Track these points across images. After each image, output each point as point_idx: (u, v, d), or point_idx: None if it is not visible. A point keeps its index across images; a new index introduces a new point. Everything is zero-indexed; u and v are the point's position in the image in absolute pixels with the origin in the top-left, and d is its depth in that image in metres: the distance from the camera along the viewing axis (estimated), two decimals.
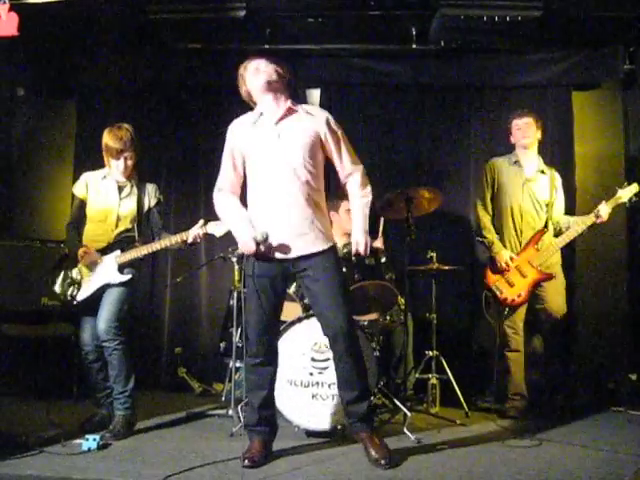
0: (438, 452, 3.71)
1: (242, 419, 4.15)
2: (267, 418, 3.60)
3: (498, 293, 4.65)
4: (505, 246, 4.71)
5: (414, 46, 5.61)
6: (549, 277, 4.61)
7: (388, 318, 4.82)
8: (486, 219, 4.81)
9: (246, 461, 3.38)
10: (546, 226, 4.68)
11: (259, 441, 3.52)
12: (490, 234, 4.76)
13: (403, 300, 4.74)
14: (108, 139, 4.11)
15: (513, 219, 4.73)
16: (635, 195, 4.61)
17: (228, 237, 5.13)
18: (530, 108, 5.17)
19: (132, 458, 3.51)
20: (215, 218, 4.02)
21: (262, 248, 3.42)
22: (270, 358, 3.59)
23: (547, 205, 4.70)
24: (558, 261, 4.72)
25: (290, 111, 3.56)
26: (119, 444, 3.81)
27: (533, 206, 4.71)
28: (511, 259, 4.64)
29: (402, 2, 5.29)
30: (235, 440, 3.91)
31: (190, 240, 4.11)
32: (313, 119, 3.58)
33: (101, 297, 4.10)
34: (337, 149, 3.60)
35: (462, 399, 4.80)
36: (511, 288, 4.63)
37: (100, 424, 4.08)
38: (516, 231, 4.73)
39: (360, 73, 5.89)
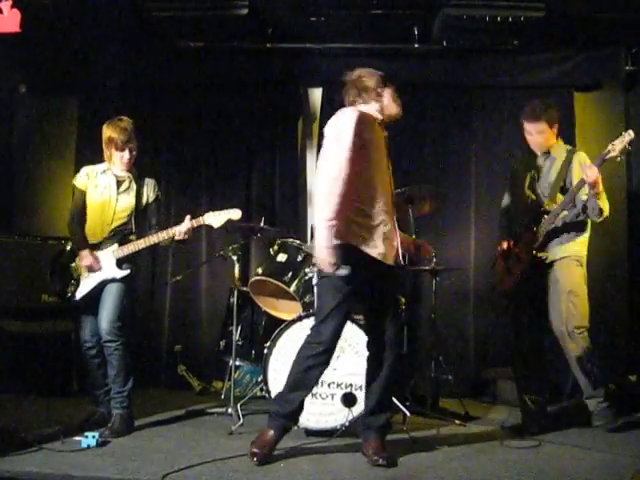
0: (437, 452, 3.71)
1: (241, 417, 4.16)
2: (295, 415, 3.57)
3: (499, 284, 4.47)
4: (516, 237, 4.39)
5: (416, 46, 5.61)
6: (540, 260, 4.20)
7: None
8: (501, 210, 4.61)
9: (255, 458, 3.37)
10: (543, 207, 4.24)
11: (272, 435, 3.47)
12: (500, 224, 4.60)
13: (403, 299, 4.75)
14: (112, 131, 4.10)
15: (522, 206, 4.42)
16: (629, 144, 4.05)
17: (229, 234, 5.20)
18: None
19: (131, 456, 3.51)
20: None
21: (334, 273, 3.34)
22: (329, 359, 3.53)
23: (554, 185, 4.26)
24: (568, 262, 4.22)
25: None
26: (118, 441, 3.81)
27: (540, 190, 4.32)
28: (508, 244, 4.37)
29: (405, 1, 5.30)
30: (234, 438, 3.92)
31: (179, 237, 4.08)
32: None
33: (100, 293, 4.10)
34: None
35: (461, 399, 4.80)
36: (508, 276, 4.37)
37: (99, 422, 4.07)
38: (522, 219, 4.39)
39: None
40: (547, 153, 4.36)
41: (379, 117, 3.66)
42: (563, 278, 4.20)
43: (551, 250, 4.24)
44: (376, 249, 3.46)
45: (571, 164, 4.27)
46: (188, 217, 4.10)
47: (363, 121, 3.49)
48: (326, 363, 3.52)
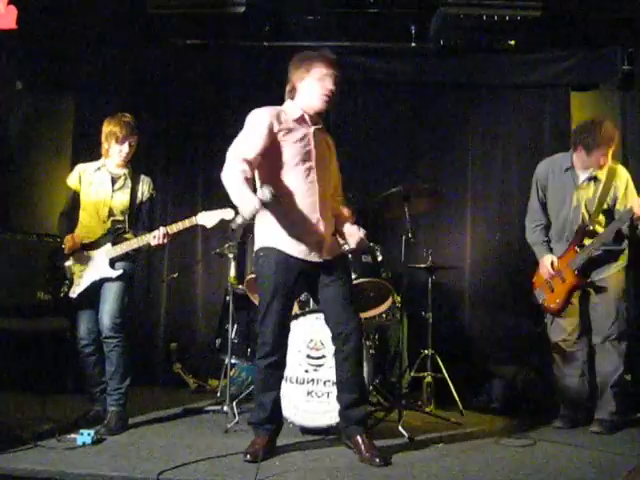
0: (432, 450, 3.72)
1: (237, 415, 4.16)
2: (275, 416, 3.60)
3: (539, 299, 4.38)
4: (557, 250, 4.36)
5: (414, 44, 5.62)
6: (587, 284, 4.22)
7: (384, 316, 4.82)
8: (530, 224, 4.47)
9: (248, 456, 3.39)
10: (589, 227, 4.23)
11: (264, 437, 3.52)
12: (534, 238, 4.44)
13: (399, 298, 4.75)
14: (113, 125, 4.11)
15: (564, 228, 4.33)
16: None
17: (226, 233, 5.20)
18: (532, 106, 5.13)
19: (126, 453, 3.51)
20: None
21: (269, 206, 3.30)
22: (283, 358, 3.57)
23: (597, 207, 4.23)
24: (614, 274, 4.23)
25: (321, 123, 3.63)
26: (114, 439, 3.81)
27: (583, 215, 4.27)
28: (552, 263, 4.29)
29: (402, 0, 5.29)
30: (229, 436, 3.92)
31: (154, 243, 4.03)
32: (327, 136, 3.71)
33: (97, 291, 4.09)
34: (335, 168, 3.74)
35: (457, 398, 4.80)
36: (551, 294, 4.31)
37: (95, 419, 4.07)
38: (567, 241, 4.31)
39: (360, 71, 5.89)
40: (594, 178, 4.24)
41: (298, 113, 3.54)
42: (612, 287, 4.21)
43: (599, 269, 4.23)
44: (296, 248, 3.46)
45: (614, 185, 4.23)
46: (161, 228, 4.04)
47: (268, 119, 3.45)
48: (279, 364, 3.53)
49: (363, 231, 3.60)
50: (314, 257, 3.50)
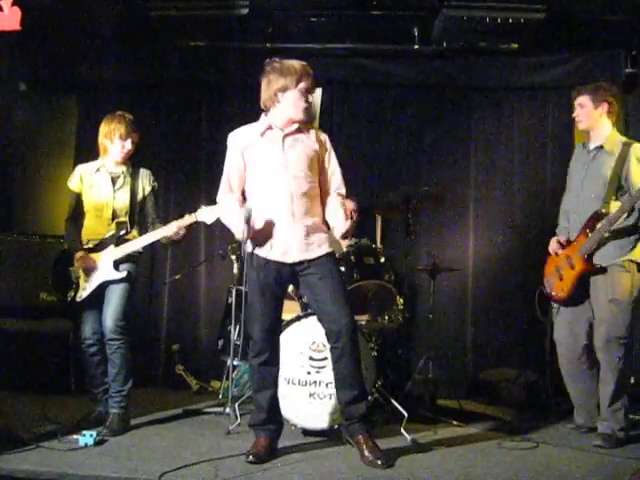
0: (435, 453, 3.71)
1: (239, 417, 4.16)
2: (274, 416, 3.63)
3: (547, 288, 4.17)
4: (572, 235, 4.10)
5: (416, 47, 5.61)
6: (597, 270, 3.89)
7: (386, 318, 4.82)
8: (562, 208, 4.29)
9: (251, 457, 3.41)
10: (599, 211, 3.92)
11: (265, 438, 3.55)
12: (560, 222, 4.27)
13: (401, 300, 4.75)
14: (116, 122, 4.13)
15: (577, 204, 4.10)
16: None
17: (228, 234, 5.20)
18: (534, 109, 5.14)
19: (128, 454, 3.51)
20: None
21: (252, 224, 3.49)
22: (275, 356, 3.62)
23: (609, 185, 3.92)
24: (619, 263, 3.89)
25: (298, 130, 3.63)
26: (115, 440, 3.81)
27: (592, 188, 4.00)
28: (559, 242, 4.12)
29: (405, 2, 5.30)
30: (231, 438, 3.92)
31: (171, 233, 4.02)
32: (314, 137, 3.69)
33: (102, 292, 4.09)
34: (329, 166, 3.73)
35: (459, 400, 4.80)
36: (560, 282, 4.08)
37: (97, 420, 4.07)
38: (579, 217, 4.04)
39: (362, 73, 5.89)
40: (600, 147, 4.04)
41: (263, 126, 3.62)
42: (607, 285, 3.90)
43: (600, 256, 3.93)
44: (268, 250, 3.56)
45: (628, 159, 3.93)
46: (174, 222, 4.05)
47: (236, 144, 3.65)
48: (271, 362, 3.59)
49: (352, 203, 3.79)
50: (289, 258, 3.55)
